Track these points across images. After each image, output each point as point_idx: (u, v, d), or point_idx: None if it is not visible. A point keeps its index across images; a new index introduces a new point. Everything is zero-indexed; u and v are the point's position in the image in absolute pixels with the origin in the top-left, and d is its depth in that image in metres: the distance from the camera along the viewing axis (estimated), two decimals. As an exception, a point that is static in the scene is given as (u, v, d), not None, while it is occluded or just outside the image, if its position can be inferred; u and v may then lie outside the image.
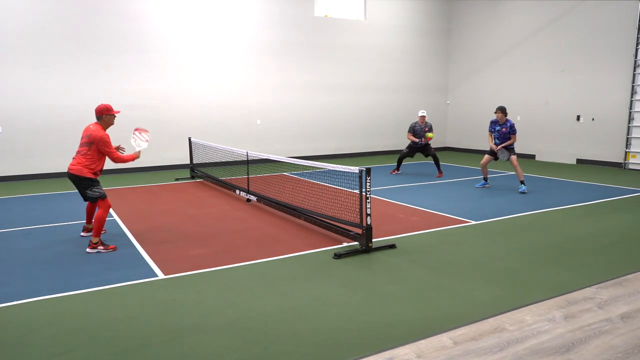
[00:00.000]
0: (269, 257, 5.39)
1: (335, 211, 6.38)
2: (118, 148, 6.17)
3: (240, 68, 13.20)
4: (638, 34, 11.60)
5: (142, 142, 6.16)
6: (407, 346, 3.32)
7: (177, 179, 10.98)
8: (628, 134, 11.99)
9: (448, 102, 17.01)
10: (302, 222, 6.83)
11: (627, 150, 12.03)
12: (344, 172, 5.89)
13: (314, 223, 6.39)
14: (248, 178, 8.62)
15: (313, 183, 9.64)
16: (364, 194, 5.44)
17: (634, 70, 11.77)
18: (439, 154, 13.46)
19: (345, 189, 7.41)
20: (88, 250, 5.61)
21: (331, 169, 6.16)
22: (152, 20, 11.99)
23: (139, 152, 6.05)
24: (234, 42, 13.04)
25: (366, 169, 5.38)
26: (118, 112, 5.99)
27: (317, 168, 8.32)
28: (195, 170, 11.15)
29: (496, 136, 9.18)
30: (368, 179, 5.32)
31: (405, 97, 16.00)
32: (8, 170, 10.93)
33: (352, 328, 3.69)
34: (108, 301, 4.25)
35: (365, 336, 3.56)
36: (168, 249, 5.75)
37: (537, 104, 13.99)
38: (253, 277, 4.81)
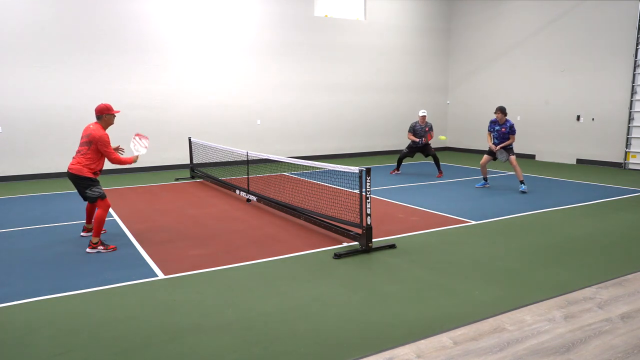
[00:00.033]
0: (269, 257, 5.39)
1: (335, 211, 6.38)
2: (117, 149, 6.17)
3: (240, 68, 13.20)
4: (638, 34, 11.60)
5: (141, 148, 6.18)
6: (407, 346, 3.32)
7: (177, 179, 10.98)
8: (628, 134, 11.99)
9: (448, 102, 17.01)
10: (302, 222, 6.83)
11: (627, 150, 12.03)
12: (344, 172, 5.89)
13: (314, 223, 6.39)
14: (248, 178, 8.62)
15: (313, 183, 9.64)
16: (364, 194, 5.44)
17: (634, 70, 11.77)
18: (439, 154, 13.45)
19: (345, 189, 7.41)
20: (88, 250, 5.61)
21: (331, 169, 6.16)
22: (152, 20, 11.99)
23: (137, 156, 6.06)
24: (234, 42, 13.04)
25: (366, 169, 5.38)
26: (118, 111, 6.00)
27: (317, 168, 8.32)
28: (195, 170, 11.15)
29: (495, 136, 9.17)
30: (368, 179, 5.32)
31: (405, 97, 16.00)
32: (8, 170, 10.93)
33: (352, 328, 3.69)
34: (108, 301, 4.25)
35: (365, 336, 3.56)
36: (168, 249, 5.75)
37: (537, 104, 13.99)
38: (253, 277, 4.81)
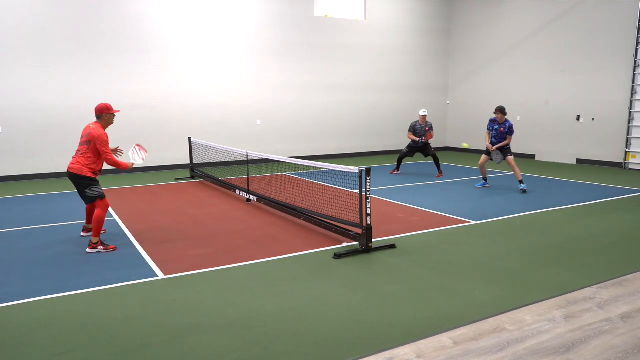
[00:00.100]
0: (269, 257, 5.39)
1: (335, 211, 6.38)
2: (116, 150, 6.17)
3: (240, 68, 13.20)
4: (638, 34, 11.60)
5: (138, 158, 6.21)
6: (407, 346, 3.32)
7: (177, 179, 10.98)
8: (628, 134, 11.98)
9: (448, 102, 17.01)
10: (302, 222, 6.83)
11: (627, 150, 12.03)
12: (344, 172, 5.89)
13: (314, 223, 6.39)
14: (248, 178, 8.62)
15: (313, 183, 9.64)
16: (364, 194, 5.44)
17: (634, 70, 11.77)
18: (439, 154, 13.46)
19: (345, 189, 7.41)
20: (88, 250, 5.61)
21: (331, 169, 6.16)
22: (152, 20, 11.99)
23: (132, 164, 6.07)
24: (234, 42, 13.04)
25: (366, 169, 5.38)
26: (118, 111, 6.01)
27: (317, 168, 8.32)
28: (195, 170, 11.15)
29: (494, 135, 9.17)
30: (368, 179, 5.32)
31: (405, 97, 16.00)
32: (8, 170, 10.93)
33: (352, 328, 3.69)
34: (108, 301, 4.25)
35: (365, 336, 3.56)
36: (168, 249, 5.75)
37: (537, 104, 13.99)
38: (253, 277, 4.81)
